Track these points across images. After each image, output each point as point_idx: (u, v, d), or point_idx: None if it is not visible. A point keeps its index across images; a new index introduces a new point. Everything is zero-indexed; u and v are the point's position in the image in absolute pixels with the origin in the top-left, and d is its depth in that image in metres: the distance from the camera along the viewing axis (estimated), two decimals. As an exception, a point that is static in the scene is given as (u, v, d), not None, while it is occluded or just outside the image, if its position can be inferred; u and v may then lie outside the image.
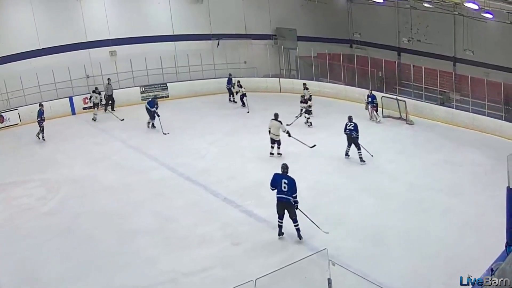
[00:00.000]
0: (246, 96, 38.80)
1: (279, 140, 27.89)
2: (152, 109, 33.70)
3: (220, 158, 28.48)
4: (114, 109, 39.39)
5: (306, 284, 12.69)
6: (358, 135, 27.01)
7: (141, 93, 41.45)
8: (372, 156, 27.62)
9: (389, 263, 16.95)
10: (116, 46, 41.84)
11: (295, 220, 18.49)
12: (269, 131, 27.78)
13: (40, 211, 22.41)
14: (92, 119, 36.50)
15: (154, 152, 29.27)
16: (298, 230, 18.64)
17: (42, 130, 32.52)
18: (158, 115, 33.32)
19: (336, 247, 17.26)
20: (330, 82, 42.45)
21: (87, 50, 40.38)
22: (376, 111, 34.79)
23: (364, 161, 27.05)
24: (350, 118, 27.55)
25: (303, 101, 35.03)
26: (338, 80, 42.97)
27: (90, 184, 25.13)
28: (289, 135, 27.77)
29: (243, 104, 38.75)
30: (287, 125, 30.57)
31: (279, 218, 18.74)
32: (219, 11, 45.70)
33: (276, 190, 18.48)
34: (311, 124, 33.60)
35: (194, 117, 35.44)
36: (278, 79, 45.01)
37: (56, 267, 17.64)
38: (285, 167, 18.69)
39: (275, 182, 18.52)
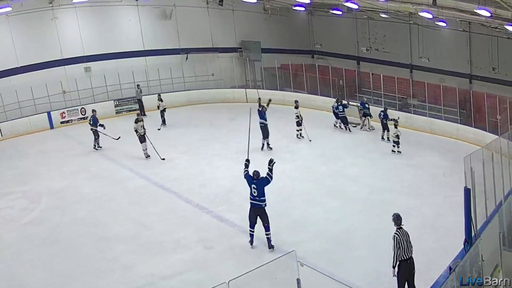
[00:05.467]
0: (165, 111, 36.94)
1: None
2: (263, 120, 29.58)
3: (191, 166, 28.42)
4: (145, 113, 39.48)
5: (277, 284, 12.75)
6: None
7: (115, 107, 41.31)
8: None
9: (354, 262, 17.13)
10: (90, 63, 41.60)
11: (267, 228, 18.10)
12: None
13: (22, 221, 22.20)
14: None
15: (129, 163, 29.15)
16: (269, 240, 18.20)
17: (96, 137, 31.51)
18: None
19: (304, 249, 17.36)
20: (293, 91, 42.67)
21: (62, 67, 40.14)
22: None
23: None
24: (385, 109, 32.97)
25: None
26: (301, 89, 43.27)
27: (69, 195, 24.95)
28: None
29: (164, 121, 36.80)
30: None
31: (250, 226, 18.32)
32: (187, 27, 45.77)
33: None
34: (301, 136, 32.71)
35: (166, 128, 35.43)
36: (244, 89, 45.22)
37: (38, 274, 17.54)
38: (257, 174, 18.00)
39: (247, 180, 18.19)
